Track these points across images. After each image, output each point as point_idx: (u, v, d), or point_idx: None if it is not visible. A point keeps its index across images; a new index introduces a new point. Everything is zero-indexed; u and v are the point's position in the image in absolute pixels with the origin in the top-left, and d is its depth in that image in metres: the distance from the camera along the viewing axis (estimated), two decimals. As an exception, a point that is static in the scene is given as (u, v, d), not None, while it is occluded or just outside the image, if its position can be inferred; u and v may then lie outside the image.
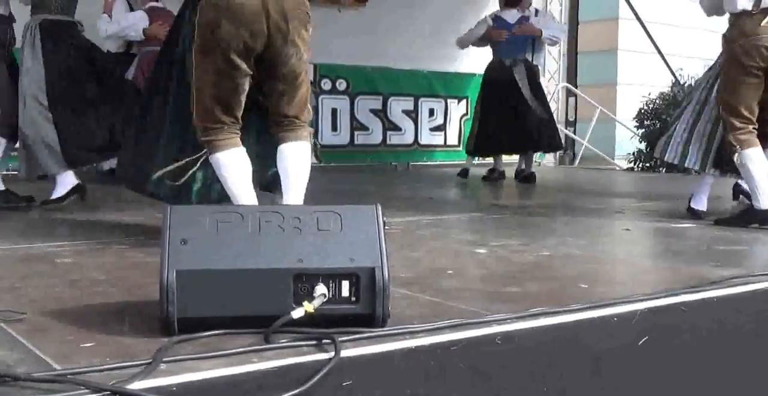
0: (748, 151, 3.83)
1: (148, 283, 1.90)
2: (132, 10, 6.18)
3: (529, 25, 7.13)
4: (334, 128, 8.29)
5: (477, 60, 8.87)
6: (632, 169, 9.79)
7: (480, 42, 7.38)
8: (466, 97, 9.11)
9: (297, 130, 3.15)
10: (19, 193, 4.51)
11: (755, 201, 3.89)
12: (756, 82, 3.85)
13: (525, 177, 6.85)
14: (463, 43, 7.50)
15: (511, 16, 7.14)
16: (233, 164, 3.04)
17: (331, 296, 1.76)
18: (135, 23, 5.98)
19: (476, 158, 7.75)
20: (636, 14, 10.00)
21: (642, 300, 2.14)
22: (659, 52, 9.81)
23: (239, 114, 3.05)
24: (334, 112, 8.29)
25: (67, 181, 4.43)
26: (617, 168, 10.34)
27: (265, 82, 3.10)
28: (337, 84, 8.24)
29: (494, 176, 6.92)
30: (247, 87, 3.03)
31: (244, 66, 2.95)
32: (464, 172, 7.33)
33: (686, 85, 9.40)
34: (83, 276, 2.55)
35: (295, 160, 3.15)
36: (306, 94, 3.17)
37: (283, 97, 3.11)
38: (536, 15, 7.55)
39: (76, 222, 3.85)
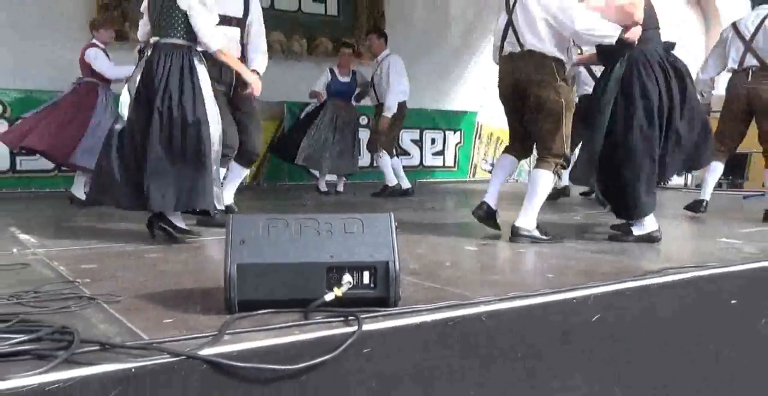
0: None
1: (216, 273, 1.91)
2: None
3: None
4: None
5: (467, 101, 8.90)
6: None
7: None
8: (460, 129, 9.11)
9: None
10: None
11: None
12: None
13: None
14: (312, 94, 6.61)
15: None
16: None
17: (355, 283, 1.76)
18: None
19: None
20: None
21: (596, 286, 2.14)
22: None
23: None
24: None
25: None
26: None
27: None
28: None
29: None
30: None
31: None
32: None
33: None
34: (166, 268, 2.56)
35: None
36: None
37: None
38: (386, 69, 6.27)
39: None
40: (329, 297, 1.72)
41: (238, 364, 1.42)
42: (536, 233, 3.34)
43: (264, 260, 1.75)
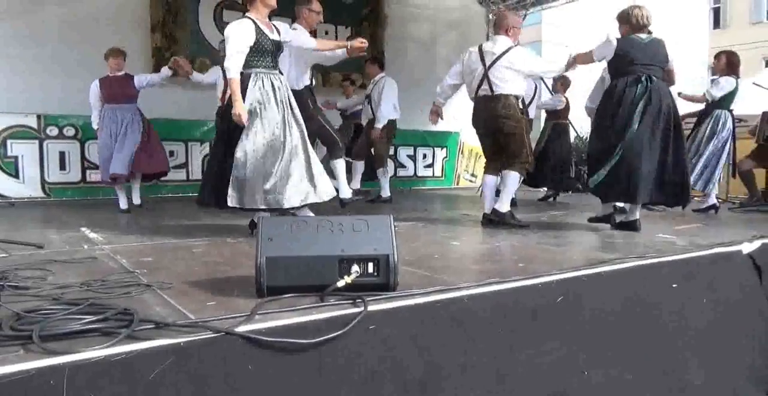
0: None
1: (250, 264, 1.91)
2: None
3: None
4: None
5: (451, 123, 8.90)
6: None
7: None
8: (446, 146, 9.10)
9: None
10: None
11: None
12: None
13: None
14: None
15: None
16: None
17: (361, 272, 1.77)
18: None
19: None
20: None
21: (558, 273, 2.13)
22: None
23: None
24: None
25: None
26: (540, 190, 10.22)
27: None
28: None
29: None
30: None
31: None
32: None
33: (584, 138, 9.16)
34: (210, 260, 2.55)
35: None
36: None
37: None
38: (380, 87, 6.09)
39: (204, 225, 3.86)
40: (341, 283, 1.72)
41: (268, 338, 1.42)
42: (509, 217, 3.78)
43: (288, 253, 1.75)
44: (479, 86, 3.84)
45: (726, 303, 2.56)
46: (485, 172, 4.05)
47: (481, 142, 4.10)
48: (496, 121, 3.81)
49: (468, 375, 1.78)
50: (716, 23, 21.56)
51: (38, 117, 6.00)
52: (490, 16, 9.46)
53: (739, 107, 4.99)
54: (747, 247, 2.75)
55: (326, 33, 7.93)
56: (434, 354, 1.72)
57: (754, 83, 5.92)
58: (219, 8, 7.15)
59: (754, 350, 2.62)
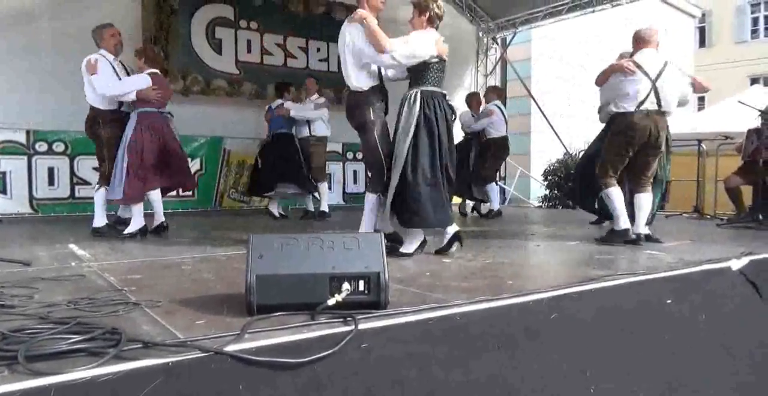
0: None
1: (240, 281, 1.89)
2: (116, 72, 4.40)
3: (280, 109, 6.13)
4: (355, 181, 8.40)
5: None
6: (541, 206, 9.75)
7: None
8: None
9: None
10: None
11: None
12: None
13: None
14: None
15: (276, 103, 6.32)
16: None
17: (352, 290, 1.76)
18: (139, 85, 4.27)
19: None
20: (542, 112, 10.01)
21: (548, 291, 2.13)
22: (556, 134, 9.81)
23: None
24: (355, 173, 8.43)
25: None
26: (531, 206, 10.29)
27: None
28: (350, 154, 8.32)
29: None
30: None
31: None
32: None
33: (574, 154, 9.30)
34: (199, 277, 2.54)
35: None
36: None
37: None
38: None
39: (194, 242, 3.84)
40: (331, 302, 1.72)
41: (257, 358, 1.41)
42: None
43: (278, 271, 1.75)
44: (645, 99, 3.84)
45: (727, 318, 2.57)
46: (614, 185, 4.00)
47: (625, 158, 3.94)
48: (659, 134, 3.87)
49: (467, 393, 1.77)
50: (702, 42, 21.97)
51: (27, 132, 5.98)
52: (480, 33, 9.58)
53: (725, 125, 5.05)
54: (736, 264, 2.78)
55: (318, 50, 8.01)
56: (431, 370, 1.71)
57: (739, 101, 6.02)
58: (211, 25, 7.20)
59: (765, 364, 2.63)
